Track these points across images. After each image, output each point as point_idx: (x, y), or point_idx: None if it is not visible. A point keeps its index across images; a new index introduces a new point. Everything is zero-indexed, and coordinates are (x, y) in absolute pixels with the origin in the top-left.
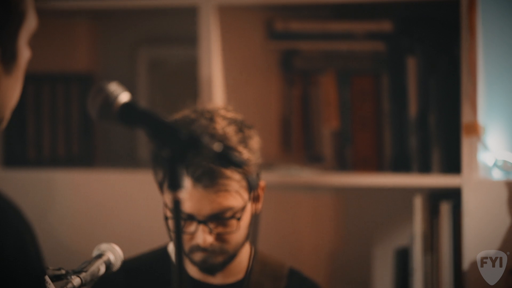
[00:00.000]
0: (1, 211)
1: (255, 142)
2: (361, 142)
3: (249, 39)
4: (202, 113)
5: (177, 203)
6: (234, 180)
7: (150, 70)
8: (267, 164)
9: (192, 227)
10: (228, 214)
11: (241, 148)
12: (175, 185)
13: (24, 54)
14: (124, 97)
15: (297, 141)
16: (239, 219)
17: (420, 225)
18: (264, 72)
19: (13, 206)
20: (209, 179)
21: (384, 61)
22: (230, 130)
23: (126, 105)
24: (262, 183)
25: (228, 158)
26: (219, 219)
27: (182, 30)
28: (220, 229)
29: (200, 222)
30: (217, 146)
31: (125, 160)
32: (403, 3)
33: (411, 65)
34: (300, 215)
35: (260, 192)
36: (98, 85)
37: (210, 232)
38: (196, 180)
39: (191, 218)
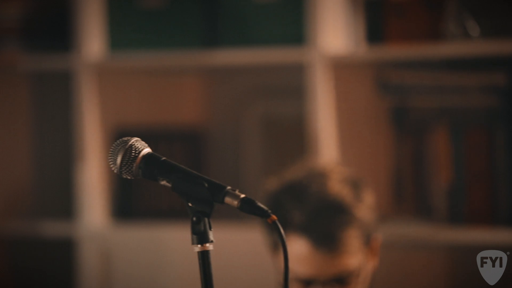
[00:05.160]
0: None
1: (370, 196)
2: (475, 196)
3: (360, 93)
4: (314, 177)
5: (205, 255)
6: (354, 238)
7: (259, 125)
8: (379, 217)
9: None
10: (349, 274)
11: (357, 206)
12: (203, 238)
13: None
14: (145, 150)
15: (408, 194)
16: (358, 276)
17: None
18: (375, 125)
19: None
20: (331, 242)
21: (498, 114)
22: (344, 191)
23: (147, 157)
24: (378, 237)
25: (253, 205)
26: (341, 280)
27: (293, 84)
28: None
29: (323, 285)
30: (240, 194)
31: (233, 215)
32: None
33: None
34: (409, 272)
35: (376, 246)
36: (120, 140)
37: None
38: (318, 243)
39: (311, 281)
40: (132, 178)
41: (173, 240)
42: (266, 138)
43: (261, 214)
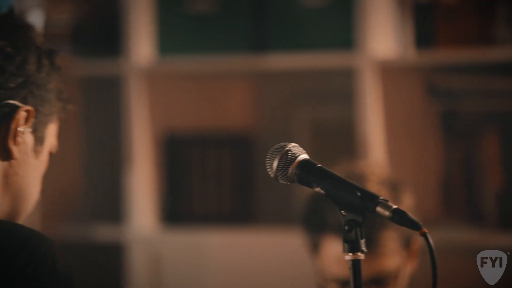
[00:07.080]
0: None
1: (409, 199)
2: None
3: (409, 98)
4: (352, 179)
5: (356, 264)
6: (392, 241)
7: (308, 129)
8: (426, 222)
9: None
10: (386, 275)
11: None
12: (354, 247)
13: (51, 141)
14: (302, 156)
15: (458, 199)
16: (396, 278)
17: None
18: (424, 129)
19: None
20: (368, 244)
21: None
22: (382, 192)
23: (303, 163)
24: (418, 240)
25: (404, 217)
26: (378, 282)
27: (341, 88)
28: None
29: None
30: (392, 205)
31: (281, 219)
32: None
33: None
34: (459, 277)
35: (415, 249)
36: (278, 145)
37: None
38: None
39: (349, 282)
40: (288, 183)
41: (221, 245)
42: (314, 142)
43: (412, 226)
